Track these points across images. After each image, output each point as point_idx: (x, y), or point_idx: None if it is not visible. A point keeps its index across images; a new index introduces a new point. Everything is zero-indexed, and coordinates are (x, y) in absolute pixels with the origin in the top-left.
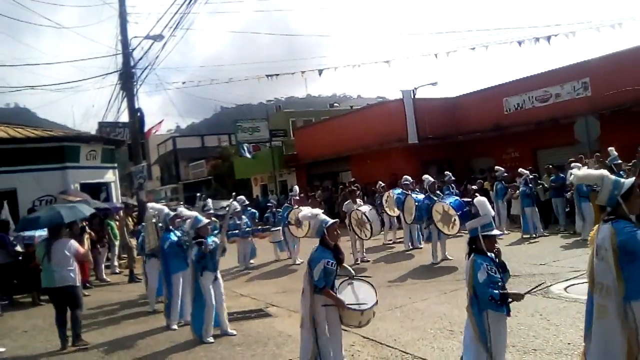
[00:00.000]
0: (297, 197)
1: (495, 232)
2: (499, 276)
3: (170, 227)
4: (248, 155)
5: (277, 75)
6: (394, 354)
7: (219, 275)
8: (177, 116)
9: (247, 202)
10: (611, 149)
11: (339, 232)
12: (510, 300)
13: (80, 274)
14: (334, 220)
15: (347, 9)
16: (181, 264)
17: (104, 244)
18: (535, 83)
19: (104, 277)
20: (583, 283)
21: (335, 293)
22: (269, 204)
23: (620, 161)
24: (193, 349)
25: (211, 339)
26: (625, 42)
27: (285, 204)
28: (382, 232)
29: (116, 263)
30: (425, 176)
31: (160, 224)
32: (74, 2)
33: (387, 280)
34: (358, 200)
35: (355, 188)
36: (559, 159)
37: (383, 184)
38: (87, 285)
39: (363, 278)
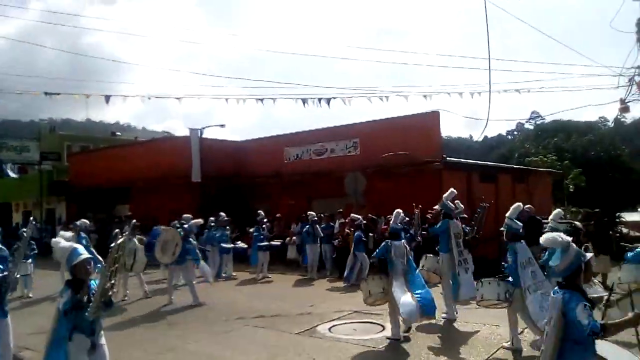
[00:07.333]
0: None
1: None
2: None
3: None
4: (14, 175)
5: (59, 94)
6: None
7: (103, 341)
8: None
9: None
10: (453, 191)
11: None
12: None
13: None
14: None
15: (144, 39)
16: None
17: None
18: (314, 137)
19: None
20: (345, 323)
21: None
22: (22, 231)
23: (460, 210)
24: None
25: None
26: (391, 112)
27: (154, 227)
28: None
29: None
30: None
31: None
32: None
33: (161, 320)
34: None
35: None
36: (330, 208)
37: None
38: None
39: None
